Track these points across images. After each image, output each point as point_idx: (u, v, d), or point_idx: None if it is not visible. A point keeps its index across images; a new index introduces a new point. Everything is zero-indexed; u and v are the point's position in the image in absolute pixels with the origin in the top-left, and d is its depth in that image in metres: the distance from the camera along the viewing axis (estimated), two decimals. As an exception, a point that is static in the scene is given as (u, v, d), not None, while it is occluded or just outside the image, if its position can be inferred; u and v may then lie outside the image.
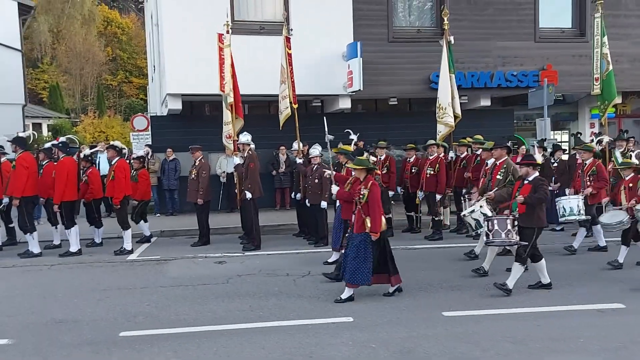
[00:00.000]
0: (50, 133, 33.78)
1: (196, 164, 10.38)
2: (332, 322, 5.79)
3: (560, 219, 8.55)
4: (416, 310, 6.13)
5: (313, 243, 9.96)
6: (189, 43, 12.24)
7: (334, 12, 13.05)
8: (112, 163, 9.85)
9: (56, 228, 10.17)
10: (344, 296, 6.44)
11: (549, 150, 11.30)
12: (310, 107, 14.97)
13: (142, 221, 10.56)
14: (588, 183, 8.67)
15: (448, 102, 11.15)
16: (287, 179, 13.60)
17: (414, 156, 10.99)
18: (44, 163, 10.09)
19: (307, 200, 9.84)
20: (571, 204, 8.13)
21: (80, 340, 5.38)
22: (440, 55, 11.51)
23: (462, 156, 10.78)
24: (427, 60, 13.32)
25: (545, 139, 12.26)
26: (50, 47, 40.71)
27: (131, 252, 9.52)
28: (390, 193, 10.68)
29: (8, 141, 10.12)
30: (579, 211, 8.07)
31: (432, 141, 10.79)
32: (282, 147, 13.57)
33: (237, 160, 9.85)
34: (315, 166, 9.62)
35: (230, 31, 9.81)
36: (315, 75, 12.76)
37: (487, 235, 6.70)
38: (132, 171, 10.17)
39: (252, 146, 9.94)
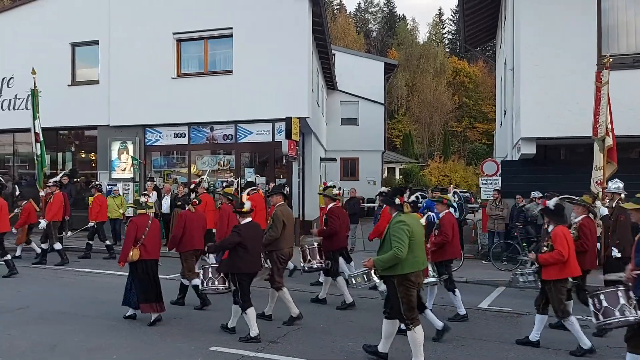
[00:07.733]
0: (401, 176, 37.47)
1: (549, 213, 9.55)
2: None
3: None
4: None
5: None
6: (547, 85, 11.64)
7: None
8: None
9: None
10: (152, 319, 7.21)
11: None
12: None
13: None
14: None
15: None
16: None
17: None
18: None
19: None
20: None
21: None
22: None
23: None
24: None
25: None
26: (405, 100, 45.56)
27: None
28: None
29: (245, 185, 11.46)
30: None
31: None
32: (658, 198, 11.35)
33: (604, 210, 8.67)
34: None
35: (609, 67, 8.80)
36: None
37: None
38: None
39: (623, 196, 8.62)
